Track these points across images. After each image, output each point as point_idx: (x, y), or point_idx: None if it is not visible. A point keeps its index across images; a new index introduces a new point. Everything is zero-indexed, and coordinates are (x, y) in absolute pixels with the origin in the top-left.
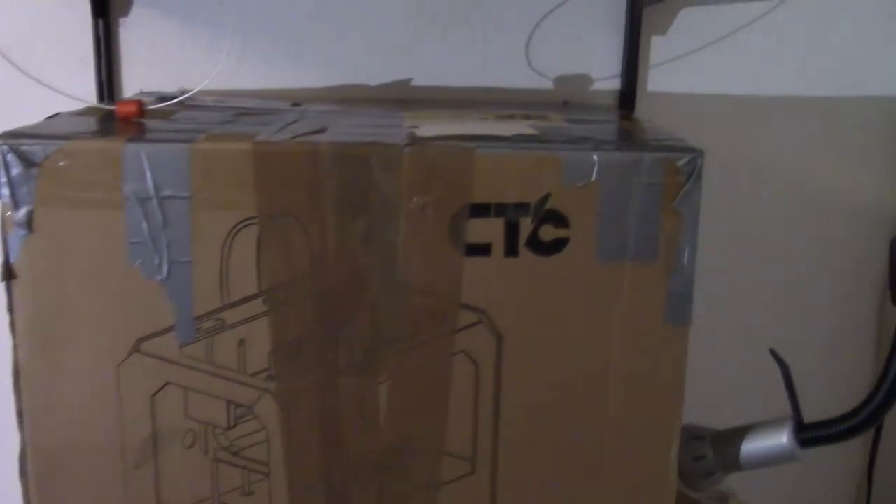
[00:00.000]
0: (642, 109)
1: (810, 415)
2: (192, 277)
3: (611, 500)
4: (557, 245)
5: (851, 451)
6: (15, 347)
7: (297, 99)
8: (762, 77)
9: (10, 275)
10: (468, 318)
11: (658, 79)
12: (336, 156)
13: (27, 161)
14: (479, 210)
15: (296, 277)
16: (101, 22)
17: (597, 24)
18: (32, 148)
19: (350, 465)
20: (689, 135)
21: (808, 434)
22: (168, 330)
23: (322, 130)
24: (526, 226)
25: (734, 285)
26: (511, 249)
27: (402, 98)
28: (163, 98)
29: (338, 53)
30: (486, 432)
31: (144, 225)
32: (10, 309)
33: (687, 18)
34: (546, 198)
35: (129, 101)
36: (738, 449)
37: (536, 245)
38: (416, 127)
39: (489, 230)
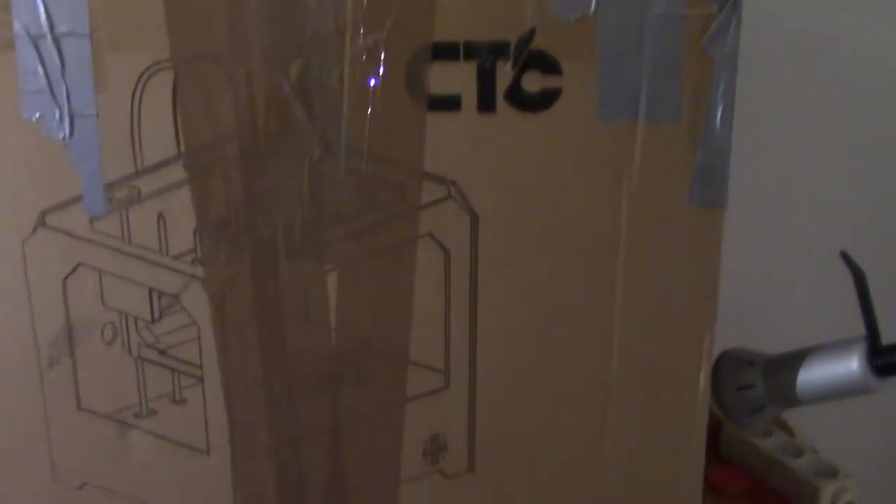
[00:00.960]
0: None
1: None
2: (98, 135)
3: (620, 428)
4: (546, 98)
5: None
6: None
7: None
8: None
9: None
10: (434, 191)
11: None
12: None
13: None
14: (445, 51)
15: (220, 136)
16: None
17: None
18: None
19: (296, 371)
20: None
21: (886, 358)
22: (76, 200)
23: None
24: (504, 72)
25: (787, 168)
26: (486, 103)
27: None
28: None
29: None
30: (461, 337)
31: (40, 69)
32: None
33: None
34: (530, 35)
35: None
36: (795, 377)
37: (519, 98)
38: None
39: (458, 78)
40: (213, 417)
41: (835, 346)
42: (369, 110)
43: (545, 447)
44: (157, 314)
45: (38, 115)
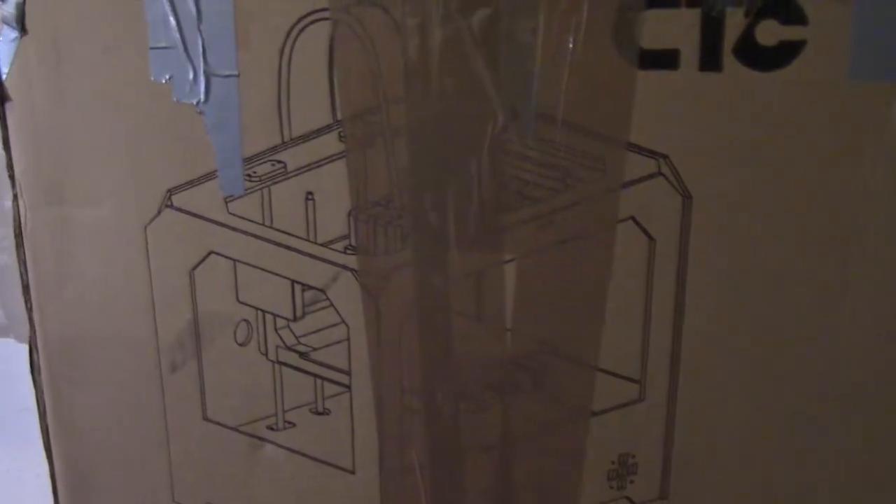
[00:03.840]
0: None
1: None
2: (238, 99)
3: (844, 449)
4: (785, 53)
5: None
6: (15, 199)
7: None
8: None
9: (2, 97)
10: (641, 166)
11: None
12: None
13: None
14: None
15: (385, 100)
16: None
17: None
18: None
19: (462, 378)
20: None
21: None
22: (209, 176)
23: None
24: (736, 21)
25: None
26: (710, 59)
27: None
28: None
29: None
30: (662, 342)
31: (172, 20)
32: (6, 145)
33: None
34: None
35: None
36: None
37: (751, 52)
38: None
39: (677, 28)
40: (360, 431)
41: None
42: (567, 68)
43: (752, 474)
44: (300, 311)
45: (167, 75)
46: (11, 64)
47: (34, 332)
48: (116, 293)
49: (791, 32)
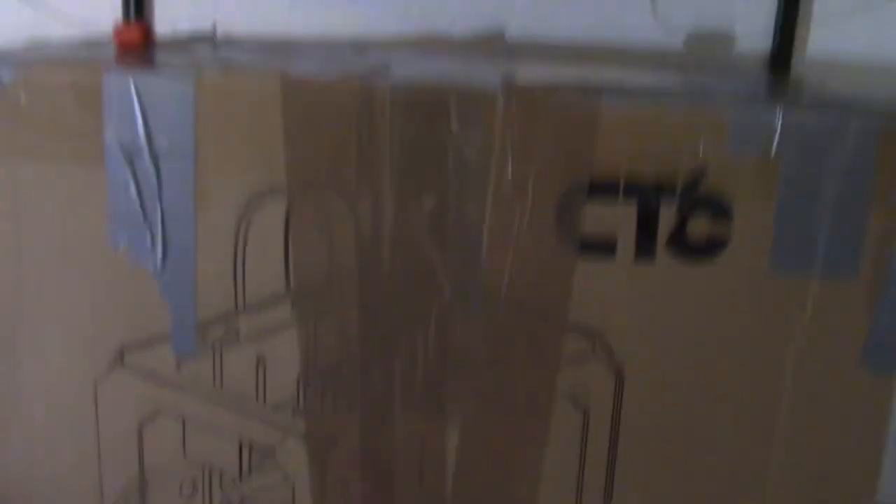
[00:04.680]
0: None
1: None
2: (195, 266)
3: None
4: (712, 247)
5: None
6: None
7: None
8: None
9: None
10: (578, 344)
11: (821, 39)
12: (400, 102)
13: None
14: (602, 189)
15: (337, 273)
16: None
17: None
18: None
19: None
20: None
21: None
22: (161, 338)
23: (384, 68)
24: (668, 216)
25: None
26: (645, 249)
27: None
28: (194, 37)
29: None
30: None
31: (132, 189)
32: None
33: None
34: (701, 175)
35: (132, 26)
36: None
37: (682, 245)
38: (512, 69)
39: (615, 220)
40: None
41: None
42: (511, 252)
43: None
44: (246, 469)
45: (126, 239)
46: None
47: None
48: (63, 444)
49: (718, 228)
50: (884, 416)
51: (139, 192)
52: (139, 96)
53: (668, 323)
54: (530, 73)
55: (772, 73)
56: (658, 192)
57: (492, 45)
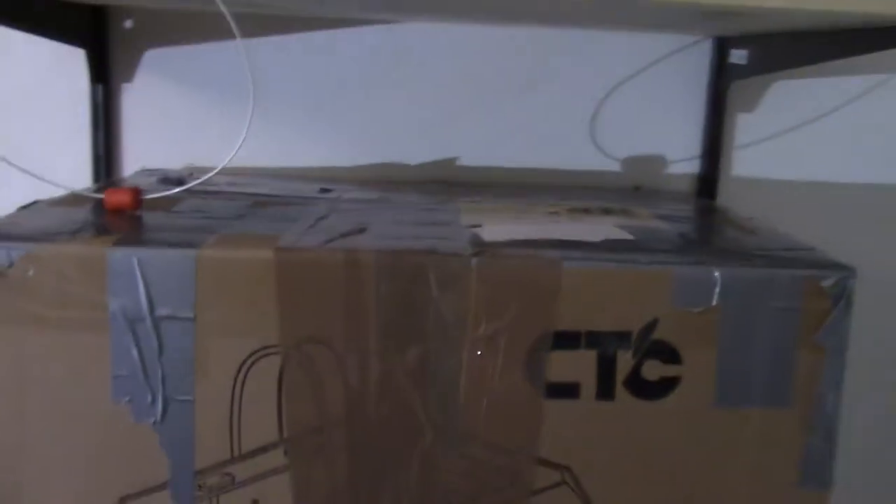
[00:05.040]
0: (724, 197)
1: None
2: (193, 421)
3: None
4: (665, 386)
5: None
6: None
7: (326, 180)
8: (861, 161)
9: None
10: (548, 477)
11: (743, 162)
12: (383, 267)
13: None
14: (566, 340)
15: (327, 423)
16: (100, 88)
17: (673, 100)
18: None
19: None
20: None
21: None
22: (160, 487)
23: (362, 230)
24: (625, 361)
25: None
26: (605, 391)
27: (446, 180)
28: (167, 179)
29: (372, 128)
30: None
31: (134, 352)
32: None
33: (778, 95)
34: (652, 325)
35: (122, 190)
36: None
37: (638, 386)
38: (478, 227)
39: (577, 366)
40: None
41: None
42: (486, 397)
43: None
44: None
45: (127, 398)
46: None
47: None
48: None
49: (669, 370)
50: None
51: (141, 356)
52: (142, 269)
53: (628, 454)
54: (494, 230)
55: (698, 195)
56: (615, 340)
57: (444, 174)
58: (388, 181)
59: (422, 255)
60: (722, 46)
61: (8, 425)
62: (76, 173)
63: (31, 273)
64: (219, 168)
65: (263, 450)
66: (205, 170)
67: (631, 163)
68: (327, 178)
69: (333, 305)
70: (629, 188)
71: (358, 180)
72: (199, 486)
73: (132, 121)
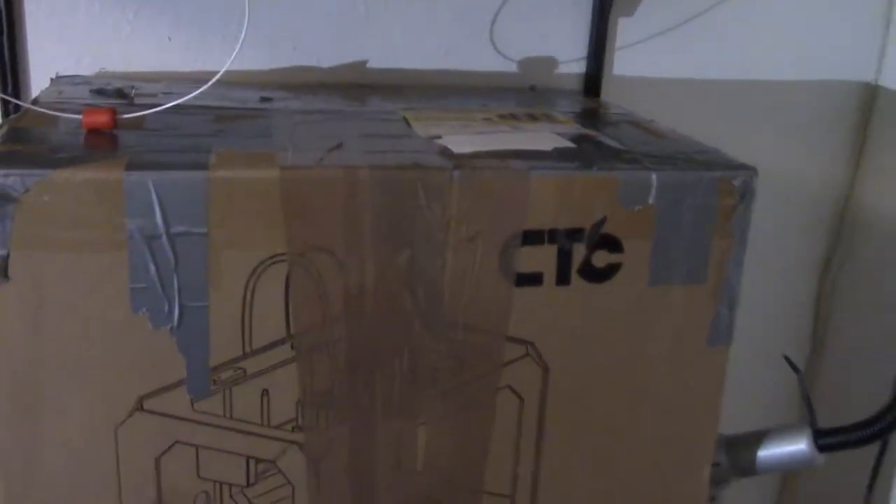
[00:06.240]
0: (608, 93)
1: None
2: (208, 324)
3: None
4: (610, 271)
5: None
6: None
7: (243, 84)
8: (726, 61)
9: None
10: (515, 351)
11: (623, 62)
12: (377, 183)
13: (1, 196)
14: (532, 237)
15: (329, 319)
16: None
17: (562, 6)
18: (7, 180)
19: None
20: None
21: (827, 439)
22: (177, 384)
23: (339, 145)
24: (579, 252)
25: None
26: (563, 278)
27: (358, 82)
28: (102, 91)
29: (281, 33)
30: (527, 468)
31: (152, 267)
32: None
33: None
34: (601, 222)
35: (99, 110)
36: (755, 455)
37: (589, 272)
38: (438, 138)
39: (541, 258)
40: None
41: (785, 431)
42: (466, 289)
43: None
44: (252, 479)
45: (145, 308)
46: None
47: None
48: (84, 487)
49: (613, 258)
50: (722, 376)
51: (157, 269)
52: (157, 191)
53: (580, 328)
54: (457, 143)
55: (585, 92)
56: (571, 235)
57: (355, 76)
58: (303, 84)
59: (410, 170)
60: None
61: (28, 343)
62: None
63: (46, 199)
64: (207, 85)
65: (272, 345)
66: (117, 75)
67: (526, 64)
68: (244, 82)
69: (333, 216)
70: (525, 88)
71: (274, 83)
72: (214, 381)
73: (36, 28)
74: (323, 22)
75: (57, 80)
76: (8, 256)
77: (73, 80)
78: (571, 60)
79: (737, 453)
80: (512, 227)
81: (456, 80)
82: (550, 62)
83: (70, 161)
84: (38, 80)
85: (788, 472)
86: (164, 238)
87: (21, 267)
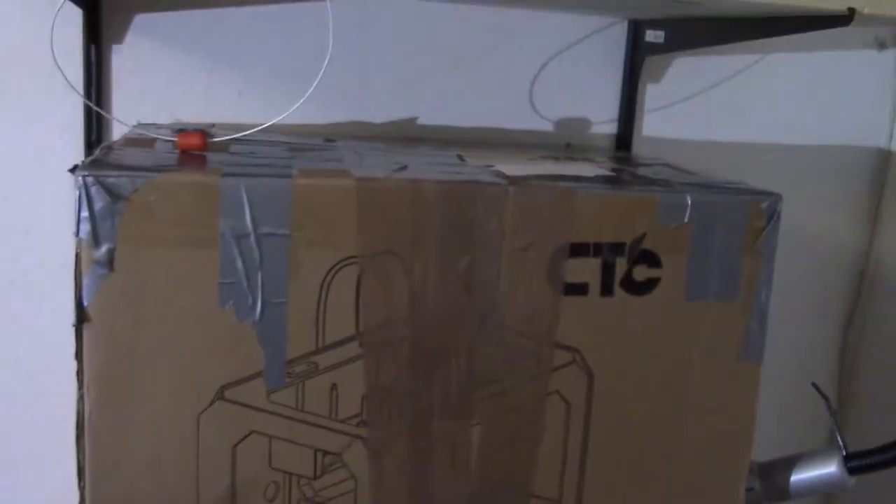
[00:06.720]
0: (637, 153)
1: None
2: (286, 319)
3: None
4: (650, 285)
5: None
6: (80, 398)
7: (305, 135)
8: (747, 125)
9: (82, 318)
10: (562, 357)
11: (651, 124)
12: (441, 194)
13: (113, 195)
14: (578, 250)
15: (394, 319)
16: (93, 48)
17: (596, 71)
18: (119, 180)
19: None
20: None
21: (857, 462)
22: (256, 375)
23: (404, 167)
24: (621, 265)
25: None
26: (607, 289)
27: (407, 137)
28: (184, 131)
29: (339, 90)
30: (573, 472)
31: (239, 263)
32: (79, 355)
33: (680, 68)
34: (641, 238)
35: (192, 133)
36: (787, 479)
37: (630, 285)
38: (492, 166)
39: (587, 270)
40: None
41: (816, 455)
42: (518, 296)
43: None
44: (319, 472)
45: (231, 302)
46: (96, 295)
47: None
48: (166, 468)
49: (653, 272)
50: (755, 392)
51: (244, 266)
52: (248, 195)
53: (623, 338)
54: (509, 169)
55: (616, 151)
56: (614, 249)
57: (404, 132)
58: (358, 137)
59: (470, 185)
60: (636, 27)
61: (128, 330)
62: (68, 129)
63: (152, 198)
64: (268, 124)
65: (342, 342)
66: (191, 126)
67: (561, 123)
68: (306, 134)
69: (401, 224)
70: (561, 145)
71: (332, 136)
72: (289, 374)
73: (121, 80)
74: (378, 81)
75: (137, 126)
76: (115, 249)
77: (149, 127)
78: (604, 122)
79: (769, 477)
80: (560, 239)
81: (498, 136)
82: (584, 122)
83: (172, 168)
84: (119, 131)
85: (820, 494)
86: (252, 238)
87: (126, 259)
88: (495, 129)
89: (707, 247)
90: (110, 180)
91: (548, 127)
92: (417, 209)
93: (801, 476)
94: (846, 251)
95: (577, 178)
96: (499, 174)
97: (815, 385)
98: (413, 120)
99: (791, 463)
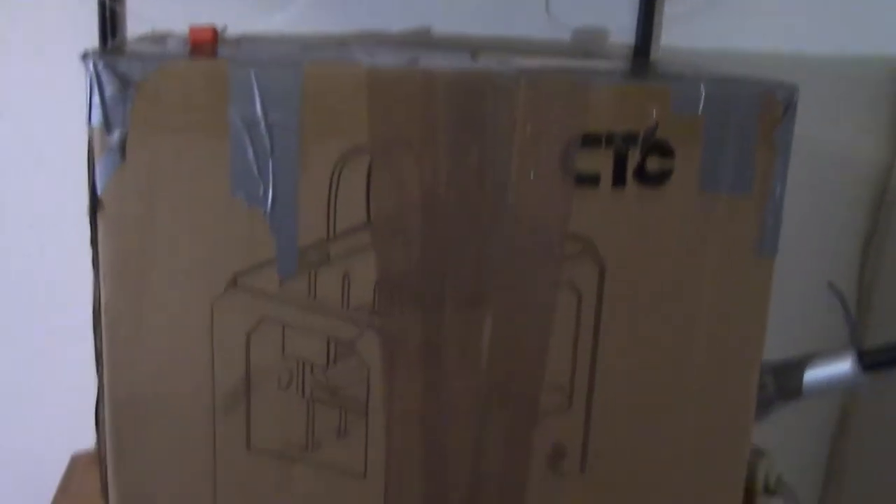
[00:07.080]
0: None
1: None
2: (297, 207)
3: (695, 429)
4: (663, 176)
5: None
6: (96, 285)
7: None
8: (769, 34)
9: (96, 206)
10: (574, 247)
11: (671, 34)
12: (452, 84)
13: (124, 80)
14: (590, 140)
15: (405, 208)
16: None
17: None
18: (130, 66)
19: (450, 403)
20: None
21: (871, 359)
22: (268, 263)
23: (416, 60)
24: (634, 156)
25: None
26: (619, 180)
27: (423, 43)
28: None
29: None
30: (584, 365)
31: (250, 151)
32: (94, 243)
33: None
34: (654, 128)
35: (203, 28)
36: (801, 377)
37: (643, 176)
38: (505, 60)
39: (599, 160)
40: (372, 444)
41: (829, 353)
42: (530, 186)
43: (643, 455)
44: (332, 360)
45: (243, 191)
46: (109, 182)
47: (102, 390)
48: (181, 354)
49: (666, 163)
50: (768, 287)
51: (255, 154)
52: (258, 81)
53: (635, 230)
54: (527, 64)
55: (636, 59)
56: (627, 140)
57: (420, 41)
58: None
59: (482, 74)
60: None
61: (141, 217)
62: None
63: (162, 84)
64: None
65: (353, 231)
66: None
67: (580, 33)
68: (318, 42)
69: (412, 114)
70: (580, 54)
71: (348, 42)
72: (300, 262)
73: None
74: None
75: (152, 33)
76: (127, 136)
77: (164, 34)
78: (622, 31)
79: (783, 376)
80: (572, 129)
81: (514, 45)
82: (602, 33)
83: (181, 56)
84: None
85: (834, 392)
86: (262, 125)
87: (137, 146)
88: (511, 39)
89: (721, 138)
90: (121, 66)
91: (565, 36)
92: (428, 98)
93: (815, 373)
94: (868, 165)
95: (590, 71)
96: (513, 65)
97: (830, 283)
98: (427, 30)
99: (804, 361)
